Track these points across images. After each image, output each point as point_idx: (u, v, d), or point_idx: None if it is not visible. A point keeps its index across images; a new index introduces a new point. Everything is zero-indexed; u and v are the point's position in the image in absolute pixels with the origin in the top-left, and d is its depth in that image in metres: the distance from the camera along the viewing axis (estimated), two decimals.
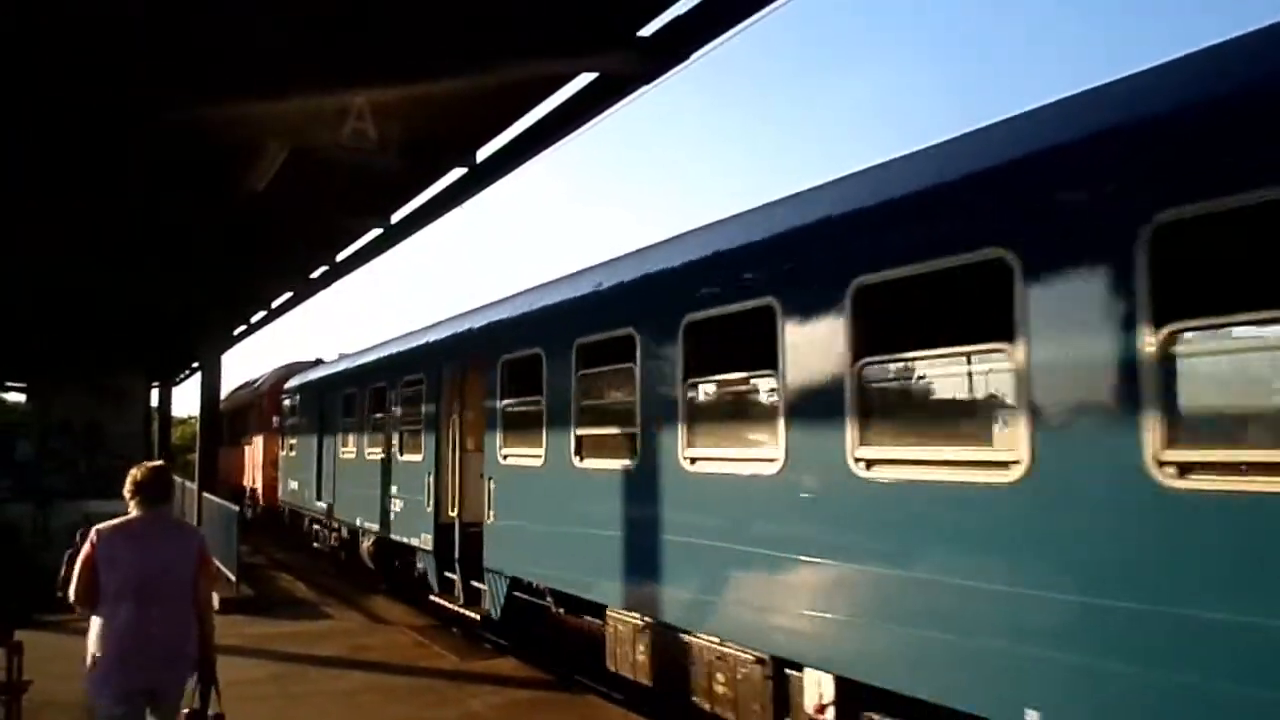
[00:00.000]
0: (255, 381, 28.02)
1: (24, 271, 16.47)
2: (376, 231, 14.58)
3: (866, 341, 5.22)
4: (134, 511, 4.76)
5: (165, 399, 31.33)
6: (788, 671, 5.90)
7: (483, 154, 11.09)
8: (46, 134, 10.14)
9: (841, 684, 5.39)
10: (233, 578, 13.59)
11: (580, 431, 8.19)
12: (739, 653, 6.27)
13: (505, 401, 9.75)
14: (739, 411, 6.76)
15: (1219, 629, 3.57)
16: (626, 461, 7.40)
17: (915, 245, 4.96)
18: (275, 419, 22.79)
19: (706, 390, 6.87)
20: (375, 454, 14.11)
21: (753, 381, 6.43)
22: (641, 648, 7.41)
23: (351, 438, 15.52)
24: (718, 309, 6.47)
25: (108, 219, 13.71)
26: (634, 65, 8.17)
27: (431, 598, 12.04)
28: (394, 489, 13.25)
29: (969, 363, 5.00)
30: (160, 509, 4.84)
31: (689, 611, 6.71)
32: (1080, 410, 4.12)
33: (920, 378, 5.44)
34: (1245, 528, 3.54)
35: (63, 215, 13.39)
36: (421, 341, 13.08)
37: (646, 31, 7.97)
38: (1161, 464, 3.75)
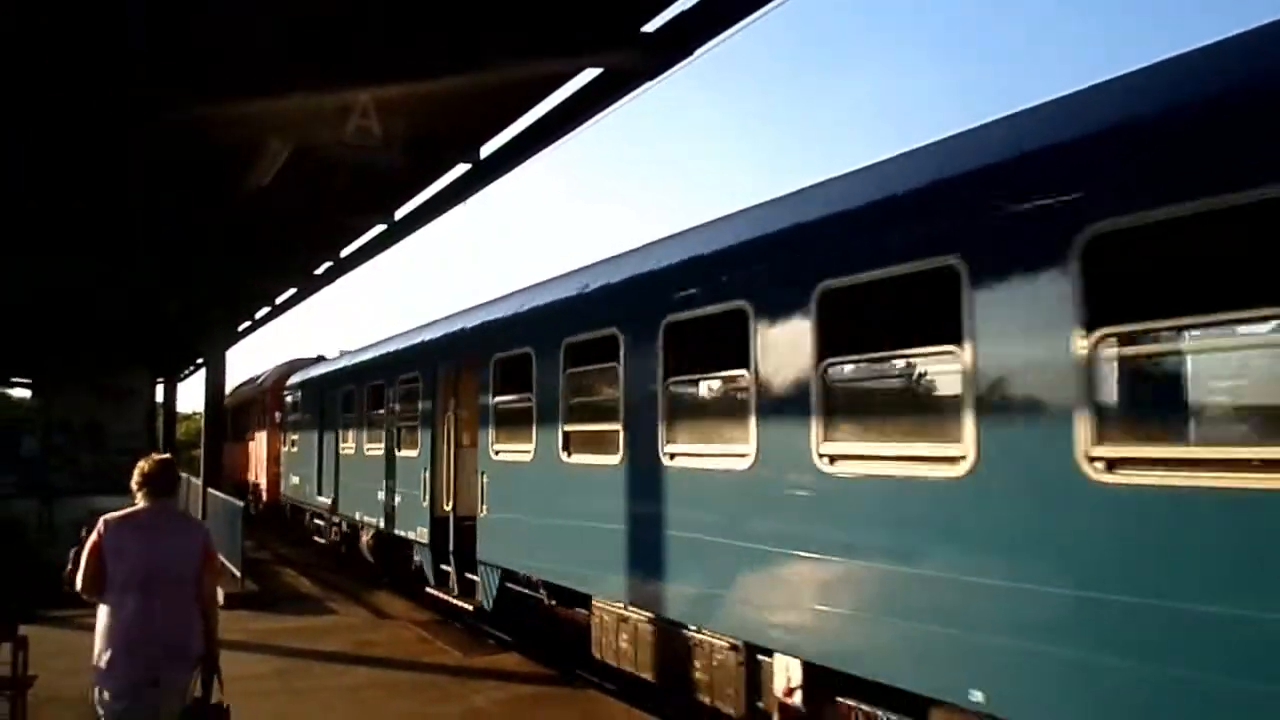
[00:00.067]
0: (258, 378, 28.30)
1: (25, 271, 16.40)
2: (380, 228, 14.55)
3: (831, 343, 5.50)
4: (140, 503, 4.85)
5: (170, 394, 31.50)
6: (759, 657, 6.20)
7: (487, 150, 11.05)
8: (47, 134, 10.10)
9: (810, 669, 5.68)
10: (238, 573, 13.68)
11: (568, 428, 8.46)
12: (715, 640, 6.57)
13: (498, 399, 10.02)
14: (714, 409, 7.02)
15: (1143, 613, 3.85)
16: (611, 457, 7.67)
17: (875, 252, 5.24)
18: (277, 415, 23.06)
19: (685, 389, 7.14)
20: (374, 450, 14.40)
21: (727, 381, 6.69)
22: (625, 636, 7.70)
23: (351, 434, 15.80)
24: (695, 311, 6.74)
25: (108, 218, 13.64)
26: (638, 61, 8.16)
27: (428, 590, 12.34)
28: (392, 484, 13.54)
29: (923, 363, 5.28)
30: (166, 501, 4.94)
31: (669, 601, 6.99)
32: (1020, 408, 4.39)
33: (880, 377, 5.71)
34: (1164, 520, 3.82)
35: (63, 215, 13.33)
36: (418, 340, 13.35)
37: (650, 27, 7.99)
38: (1091, 459, 4.02)
